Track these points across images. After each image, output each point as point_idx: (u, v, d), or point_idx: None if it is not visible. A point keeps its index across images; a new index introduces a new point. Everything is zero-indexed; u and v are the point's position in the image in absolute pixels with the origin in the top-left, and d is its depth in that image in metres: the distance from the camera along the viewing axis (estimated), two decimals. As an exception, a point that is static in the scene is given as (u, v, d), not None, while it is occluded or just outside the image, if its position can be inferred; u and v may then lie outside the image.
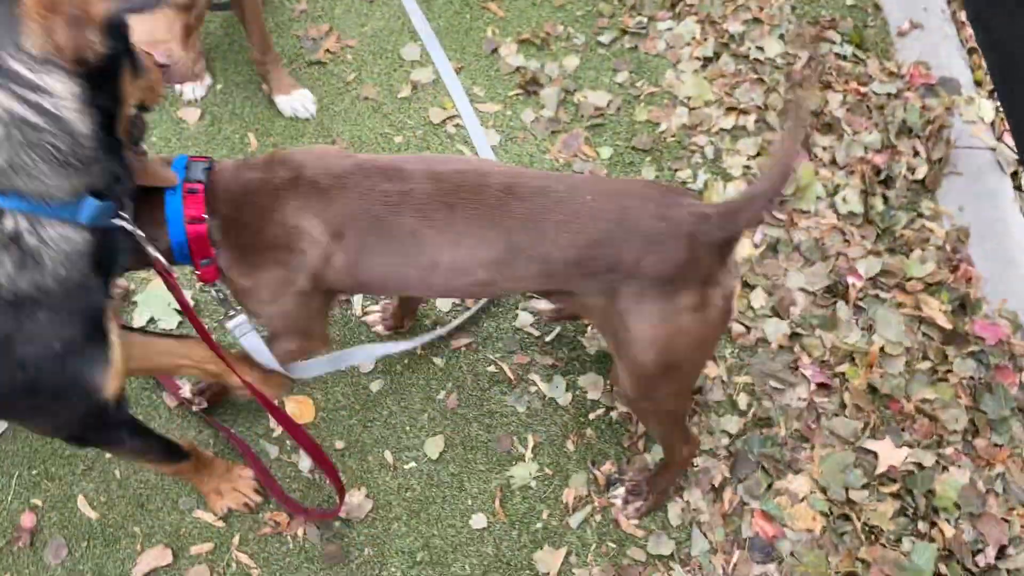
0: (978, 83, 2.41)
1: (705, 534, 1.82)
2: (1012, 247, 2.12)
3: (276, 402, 1.63)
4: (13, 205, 1.07)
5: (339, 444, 1.95)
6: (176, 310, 2.08)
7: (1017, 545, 1.79)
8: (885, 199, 2.22)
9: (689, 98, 2.42)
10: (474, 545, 1.83)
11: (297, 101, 2.40)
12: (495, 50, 2.52)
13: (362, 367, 2.03)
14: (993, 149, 2.25)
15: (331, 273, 1.44)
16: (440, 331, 2.01)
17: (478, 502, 1.87)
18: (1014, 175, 2.25)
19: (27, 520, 1.85)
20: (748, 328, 2.05)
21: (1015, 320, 2.04)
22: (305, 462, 1.92)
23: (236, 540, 1.83)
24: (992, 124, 2.32)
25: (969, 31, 2.47)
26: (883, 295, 2.08)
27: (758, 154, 2.30)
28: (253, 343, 1.55)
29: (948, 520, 1.81)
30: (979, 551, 1.78)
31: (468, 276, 1.42)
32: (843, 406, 1.95)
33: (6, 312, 1.12)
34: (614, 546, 1.82)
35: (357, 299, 2.11)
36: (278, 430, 1.95)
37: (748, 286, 2.10)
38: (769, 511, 1.83)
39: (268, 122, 2.39)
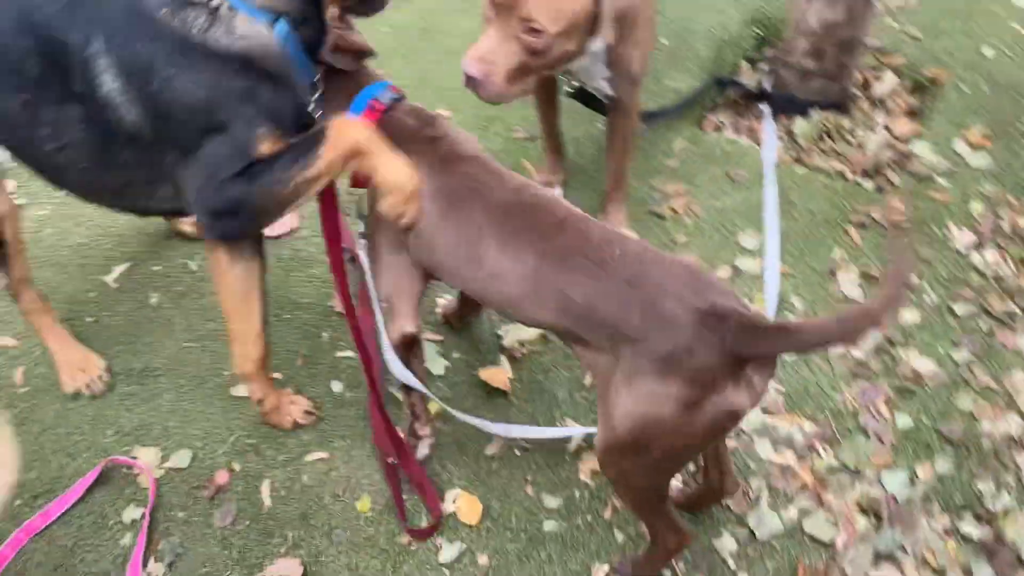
0: None
1: None
2: None
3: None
4: None
5: (483, 559, 1.88)
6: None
7: None
8: None
9: (1029, 410, 2.07)
10: None
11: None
12: (833, 272, 2.38)
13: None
14: None
15: (415, 235, 1.63)
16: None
17: None
18: None
19: (221, 477, 2.03)
20: None
21: None
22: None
23: (358, 596, 1.84)
24: None
25: None
26: None
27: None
28: (367, 270, 1.78)
29: None
30: None
31: (502, 284, 1.54)
32: None
33: (190, 52, 1.51)
34: None
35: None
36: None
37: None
38: None
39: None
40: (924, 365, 2.17)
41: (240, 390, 2.18)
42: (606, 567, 1.86)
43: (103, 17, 1.56)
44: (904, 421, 2.07)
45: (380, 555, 1.90)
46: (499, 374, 2.19)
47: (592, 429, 1.80)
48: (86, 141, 1.68)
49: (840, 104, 2.78)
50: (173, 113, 1.57)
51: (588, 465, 2.01)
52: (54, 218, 2.60)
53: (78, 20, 1.57)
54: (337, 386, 2.17)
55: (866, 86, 2.89)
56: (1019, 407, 2.08)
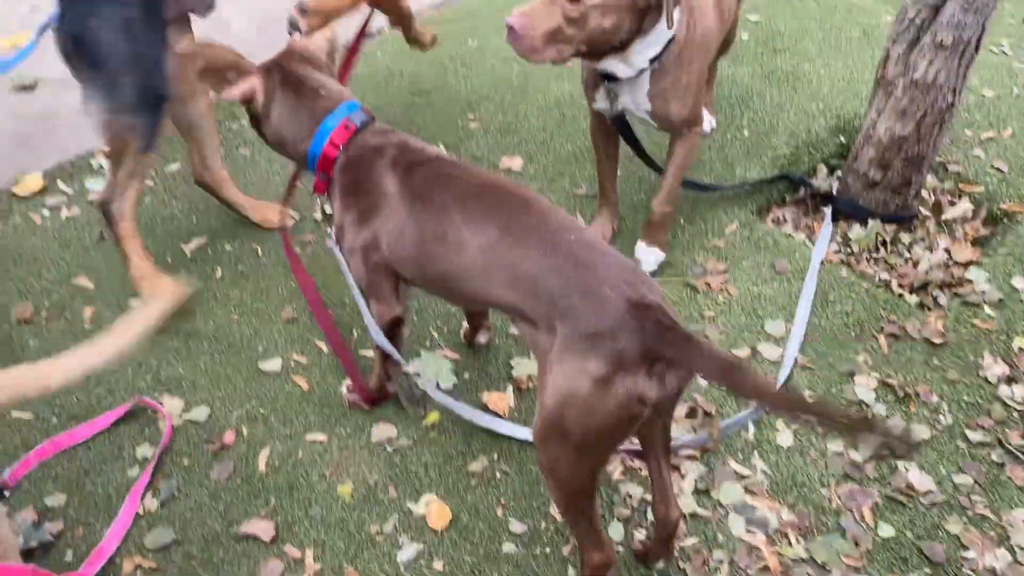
0: None
1: None
2: None
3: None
4: None
5: (438, 564, 1.97)
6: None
7: None
8: None
9: (1018, 549, 1.99)
10: None
11: (651, 253, 2.62)
12: (853, 375, 2.38)
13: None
14: None
15: (385, 235, 1.79)
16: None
17: None
18: None
19: (228, 437, 2.21)
20: None
21: None
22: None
23: None
24: None
25: None
26: None
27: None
28: (345, 269, 1.93)
29: None
30: None
31: (463, 255, 1.67)
32: None
33: None
34: None
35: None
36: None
37: None
38: None
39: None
40: (921, 481, 2.13)
41: (267, 365, 2.37)
42: (550, 598, 1.91)
43: None
44: (886, 531, 2.03)
45: (346, 538, 2.01)
46: (502, 400, 2.30)
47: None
48: None
49: (903, 219, 2.79)
50: None
51: (560, 501, 2.08)
52: (157, 191, 2.92)
53: None
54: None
55: (938, 208, 2.89)
56: (1012, 544, 2.01)
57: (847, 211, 2.84)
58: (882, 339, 2.47)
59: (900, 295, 2.61)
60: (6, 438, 2.20)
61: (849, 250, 2.77)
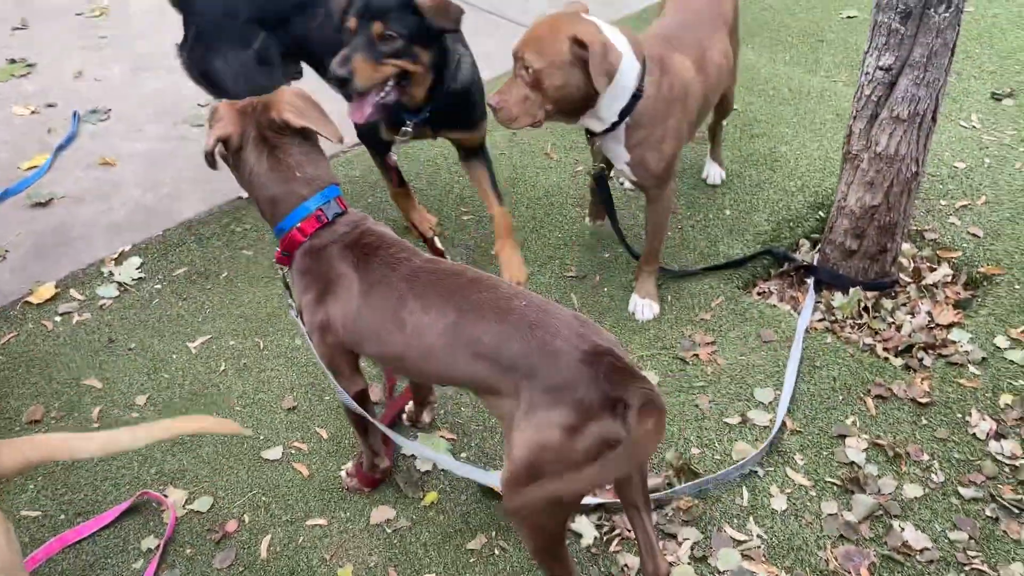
0: None
1: None
2: None
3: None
4: None
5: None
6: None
7: None
8: None
9: (1019, 602, 1.99)
10: None
11: (645, 304, 2.85)
12: (843, 437, 2.41)
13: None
14: None
15: (340, 318, 1.86)
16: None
17: None
18: None
19: (231, 525, 2.25)
20: None
21: None
22: None
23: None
24: None
25: None
26: None
27: None
28: (309, 342, 1.99)
29: None
30: None
31: (424, 339, 1.74)
32: None
33: None
34: None
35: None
36: None
37: None
38: None
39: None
40: (917, 539, 2.14)
41: (269, 453, 2.43)
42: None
43: None
44: (884, 591, 2.04)
45: (346, 620, 2.03)
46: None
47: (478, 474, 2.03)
48: None
49: (883, 285, 2.88)
50: None
51: None
52: (164, 293, 3.04)
53: None
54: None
55: (918, 274, 2.98)
56: (1012, 601, 2.01)
57: (829, 281, 2.93)
58: (870, 401, 2.52)
59: (885, 358, 2.67)
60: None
61: (833, 317, 2.85)
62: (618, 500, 2.16)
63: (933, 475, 2.31)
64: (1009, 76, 4.21)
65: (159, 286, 3.05)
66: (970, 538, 2.14)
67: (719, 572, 2.10)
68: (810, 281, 2.96)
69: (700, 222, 3.28)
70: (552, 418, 1.57)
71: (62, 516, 2.31)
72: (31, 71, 4.25)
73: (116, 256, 3.15)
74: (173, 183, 3.53)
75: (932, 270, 3.01)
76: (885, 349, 2.71)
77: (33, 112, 3.95)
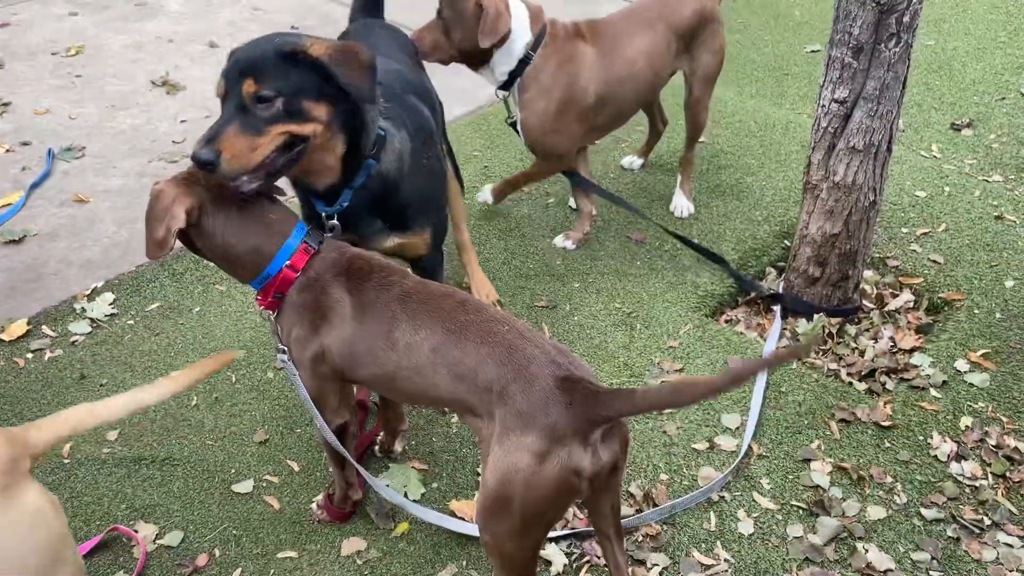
0: None
1: None
2: None
3: None
4: None
5: None
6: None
7: None
8: None
9: (980, 620, 2.02)
10: None
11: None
12: (808, 461, 2.45)
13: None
14: None
15: (336, 345, 1.88)
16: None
17: None
18: None
19: (201, 560, 2.25)
20: None
21: None
22: None
23: None
24: None
25: None
26: None
27: None
28: (296, 380, 1.98)
29: None
30: None
31: (413, 357, 1.78)
32: None
33: None
34: None
35: None
36: None
37: None
38: None
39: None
40: (881, 560, 2.17)
41: (240, 487, 2.43)
42: None
43: None
44: (849, 612, 2.07)
45: (317, 652, 2.03)
46: (469, 507, 2.35)
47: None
48: None
49: (847, 311, 2.94)
50: None
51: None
52: (137, 328, 3.05)
53: None
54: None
55: (880, 300, 3.05)
56: (974, 617, 2.04)
57: (794, 308, 2.99)
58: (834, 425, 2.56)
59: (849, 383, 2.72)
60: (-19, 574, 2.22)
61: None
62: (589, 528, 2.19)
63: (896, 497, 2.35)
64: (968, 107, 4.34)
65: (132, 322, 3.06)
66: (932, 559, 2.18)
67: (687, 597, 2.12)
68: (776, 308, 3.01)
69: (668, 251, 3.34)
70: (522, 442, 1.60)
71: (30, 553, 2.29)
72: (5, 110, 4.27)
73: (89, 292, 3.16)
74: (147, 219, 3.55)
75: (894, 296, 3.08)
76: (849, 374, 2.76)
77: (7, 151, 3.97)
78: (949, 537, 2.24)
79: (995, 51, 4.90)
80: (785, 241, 3.38)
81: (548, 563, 2.20)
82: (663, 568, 2.18)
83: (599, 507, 1.84)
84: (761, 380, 2.67)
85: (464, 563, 2.23)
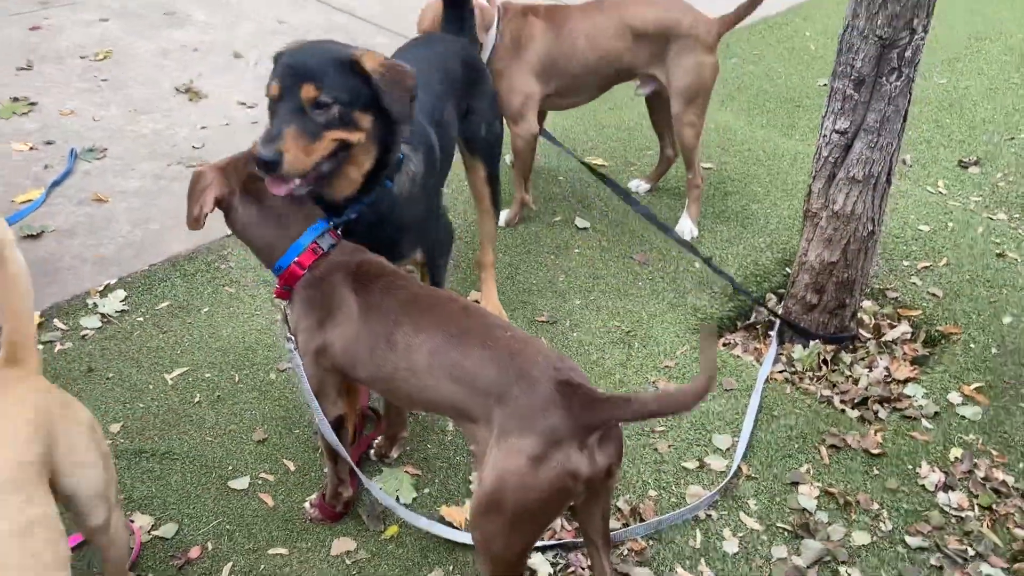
0: None
1: None
2: None
3: None
4: None
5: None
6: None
7: None
8: None
9: (958, 647, 2.04)
10: None
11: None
12: (796, 484, 2.48)
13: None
14: None
15: (339, 341, 1.94)
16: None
17: None
18: None
19: (194, 552, 2.30)
20: None
21: None
22: None
23: None
24: None
25: None
26: None
27: None
28: (299, 369, 2.05)
29: None
30: None
31: (413, 359, 1.82)
32: None
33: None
34: None
35: None
36: None
37: None
38: None
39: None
40: (862, 584, 2.20)
41: (236, 483, 2.49)
42: None
43: None
44: (828, 634, 2.09)
45: (301, 647, 2.07)
46: (459, 513, 2.39)
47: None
48: None
49: (843, 339, 2.97)
50: None
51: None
52: (146, 325, 3.12)
53: None
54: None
55: (877, 330, 3.08)
56: (953, 645, 2.06)
57: (791, 333, 3.02)
58: (824, 450, 2.59)
59: (842, 410, 2.75)
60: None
61: (793, 369, 2.94)
62: (576, 539, 2.23)
63: (882, 524, 2.37)
64: (976, 145, 4.38)
65: (141, 319, 3.13)
66: (914, 585, 2.20)
67: (669, 612, 2.15)
68: (773, 333, 3.05)
69: (670, 273, 3.38)
70: (521, 444, 1.64)
71: (29, 538, 2.34)
72: (32, 109, 4.38)
73: (101, 289, 3.23)
74: (162, 220, 3.64)
75: (892, 327, 3.11)
76: (842, 401, 2.79)
77: (32, 148, 4.07)
78: (932, 566, 2.26)
79: (1007, 92, 4.94)
80: (787, 268, 3.42)
81: (533, 572, 2.23)
82: (646, 582, 2.21)
83: (590, 513, 1.88)
84: (755, 402, 2.70)
85: (451, 568, 2.26)
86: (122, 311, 3.15)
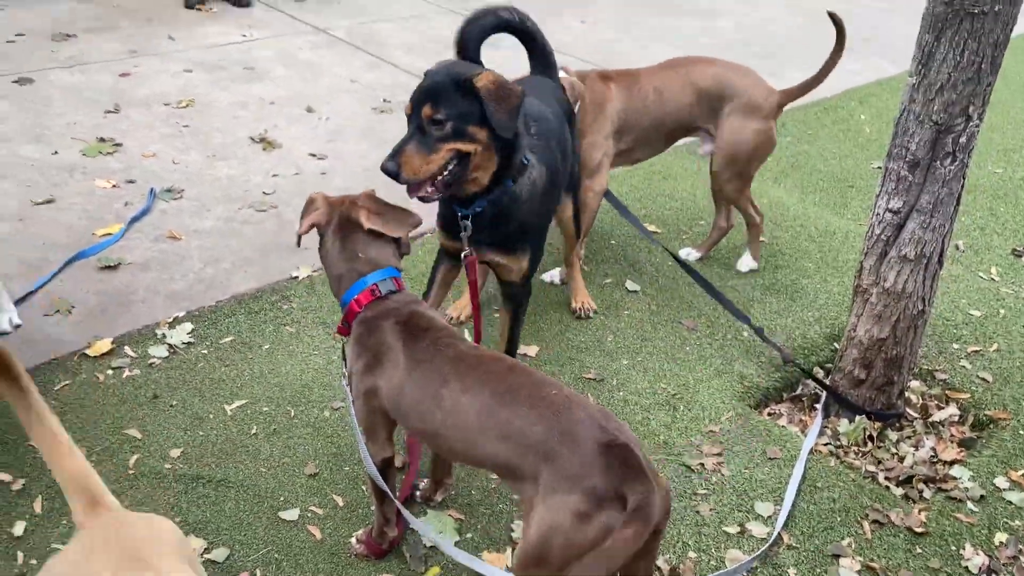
0: None
1: None
2: None
3: None
4: None
5: None
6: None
7: None
8: None
9: None
10: None
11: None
12: (838, 557, 2.48)
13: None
14: None
15: (385, 388, 2.04)
16: None
17: None
18: None
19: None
20: None
21: None
22: None
23: None
24: None
25: None
26: None
27: None
28: (351, 408, 2.16)
29: None
30: None
31: (460, 418, 1.89)
32: None
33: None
34: None
35: None
36: None
37: None
38: None
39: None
40: (901, 662, 2.18)
41: (286, 514, 2.57)
42: None
43: None
44: None
45: (340, 677, 2.11)
46: (499, 560, 2.44)
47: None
48: None
49: (889, 416, 2.98)
50: None
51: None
52: (209, 358, 3.26)
53: None
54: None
55: (925, 411, 3.08)
56: None
57: (837, 406, 3.04)
58: (866, 525, 2.59)
59: (886, 487, 2.75)
60: None
61: (838, 443, 2.95)
62: None
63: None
64: (1030, 234, 4.39)
65: (206, 351, 3.27)
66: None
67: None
68: (819, 406, 3.07)
69: (718, 340, 3.44)
70: (567, 502, 1.69)
71: (88, 552, 2.45)
72: (117, 150, 4.66)
73: (171, 320, 3.40)
74: (232, 260, 3.82)
75: (940, 408, 3.11)
76: (887, 478, 2.79)
77: (114, 186, 4.32)
78: (973, 648, 2.24)
79: (1063, 184, 4.95)
80: (834, 344, 3.45)
81: (570, 623, 2.26)
82: (682, 642, 2.22)
83: (634, 571, 1.91)
84: (798, 472, 2.72)
85: (489, 612, 2.30)
86: (188, 343, 3.30)
